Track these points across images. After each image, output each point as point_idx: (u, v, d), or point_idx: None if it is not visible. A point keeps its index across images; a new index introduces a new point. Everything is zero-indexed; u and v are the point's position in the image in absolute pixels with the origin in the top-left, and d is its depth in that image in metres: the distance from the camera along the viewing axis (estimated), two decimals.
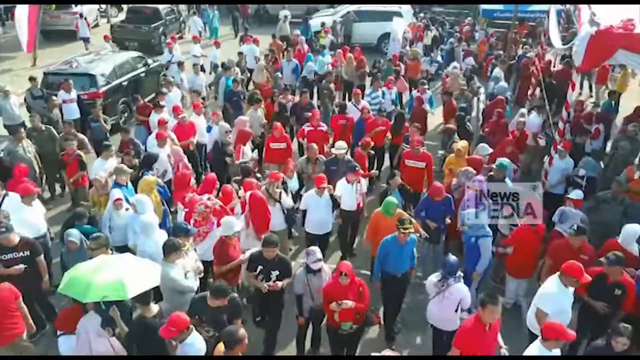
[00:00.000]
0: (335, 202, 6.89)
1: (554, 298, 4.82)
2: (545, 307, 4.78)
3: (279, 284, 5.27)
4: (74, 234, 5.53)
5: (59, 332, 4.68)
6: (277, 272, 5.30)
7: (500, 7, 18.69)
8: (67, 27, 19.06)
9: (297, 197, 7.53)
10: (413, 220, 6.11)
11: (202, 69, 13.07)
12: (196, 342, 4.27)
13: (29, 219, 6.13)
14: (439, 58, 15.73)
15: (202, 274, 5.66)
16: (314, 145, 7.91)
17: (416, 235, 6.15)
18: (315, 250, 5.44)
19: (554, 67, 14.12)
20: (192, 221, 5.89)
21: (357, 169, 6.98)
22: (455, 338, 4.61)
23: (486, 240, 6.05)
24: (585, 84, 14.82)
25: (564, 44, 9.78)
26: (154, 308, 4.58)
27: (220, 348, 4.11)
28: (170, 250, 5.04)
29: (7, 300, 4.86)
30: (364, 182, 7.41)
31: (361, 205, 7.18)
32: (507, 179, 7.02)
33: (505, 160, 7.25)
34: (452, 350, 4.61)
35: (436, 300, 5.27)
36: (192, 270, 5.30)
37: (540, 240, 6.09)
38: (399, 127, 8.97)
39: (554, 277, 4.93)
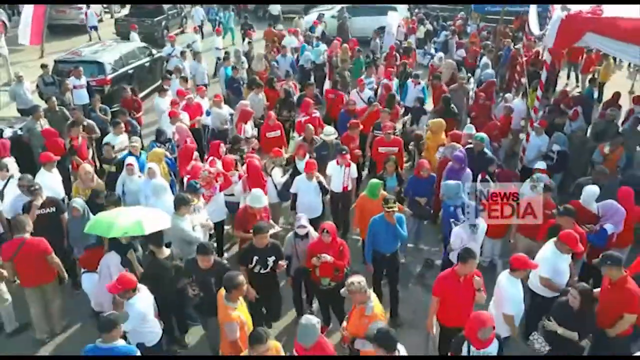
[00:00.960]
0: (323, 190, 7.13)
1: (548, 262, 5.27)
2: (543, 271, 5.22)
3: (283, 264, 5.48)
4: (78, 202, 6.08)
5: (82, 270, 5.30)
6: (273, 258, 5.41)
7: None
8: (72, 22, 19.78)
9: None
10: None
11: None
12: (137, 303, 4.59)
13: (50, 183, 6.75)
14: (432, 51, 16.39)
15: (213, 231, 6.24)
16: (310, 125, 8.36)
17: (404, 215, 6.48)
18: (302, 217, 5.86)
19: (541, 57, 14.77)
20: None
21: (345, 152, 7.32)
22: (433, 287, 5.17)
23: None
24: (573, 75, 15.52)
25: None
26: (166, 251, 5.22)
27: (222, 292, 4.62)
28: (180, 204, 5.65)
29: (39, 251, 5.43)
30: (354, 167, 7.69)
31: (349, 188, 7.50)
32: (486, 149, 7.65)
33: (482, 134, 7.88)
34: (432, 299, 5.14)
35: (472, 245, 5.57)
36: (200, 225, 5.90)
37: None
38: (390, 107, 9.35)
39: (549, 244, 5.40)
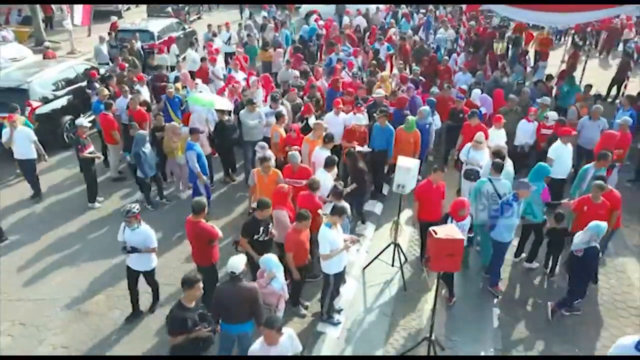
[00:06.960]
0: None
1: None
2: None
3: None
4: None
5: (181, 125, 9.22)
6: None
7: None
8: (107, 8, 23.68)
9: None
10: None
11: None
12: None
13: (143, 92, 10.64)
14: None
15: None
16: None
17: None
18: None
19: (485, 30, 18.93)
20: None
21: (360, 104, 9.39)
22: (415, 193, 6.85)
23: (432, 126, 9.68)
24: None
25: None
26: (227, 116, 9.17)
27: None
28: (249, 104, 9.30)
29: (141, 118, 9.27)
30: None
31: None
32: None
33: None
34: (414, 203, 6.92)
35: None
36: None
37: None
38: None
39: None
